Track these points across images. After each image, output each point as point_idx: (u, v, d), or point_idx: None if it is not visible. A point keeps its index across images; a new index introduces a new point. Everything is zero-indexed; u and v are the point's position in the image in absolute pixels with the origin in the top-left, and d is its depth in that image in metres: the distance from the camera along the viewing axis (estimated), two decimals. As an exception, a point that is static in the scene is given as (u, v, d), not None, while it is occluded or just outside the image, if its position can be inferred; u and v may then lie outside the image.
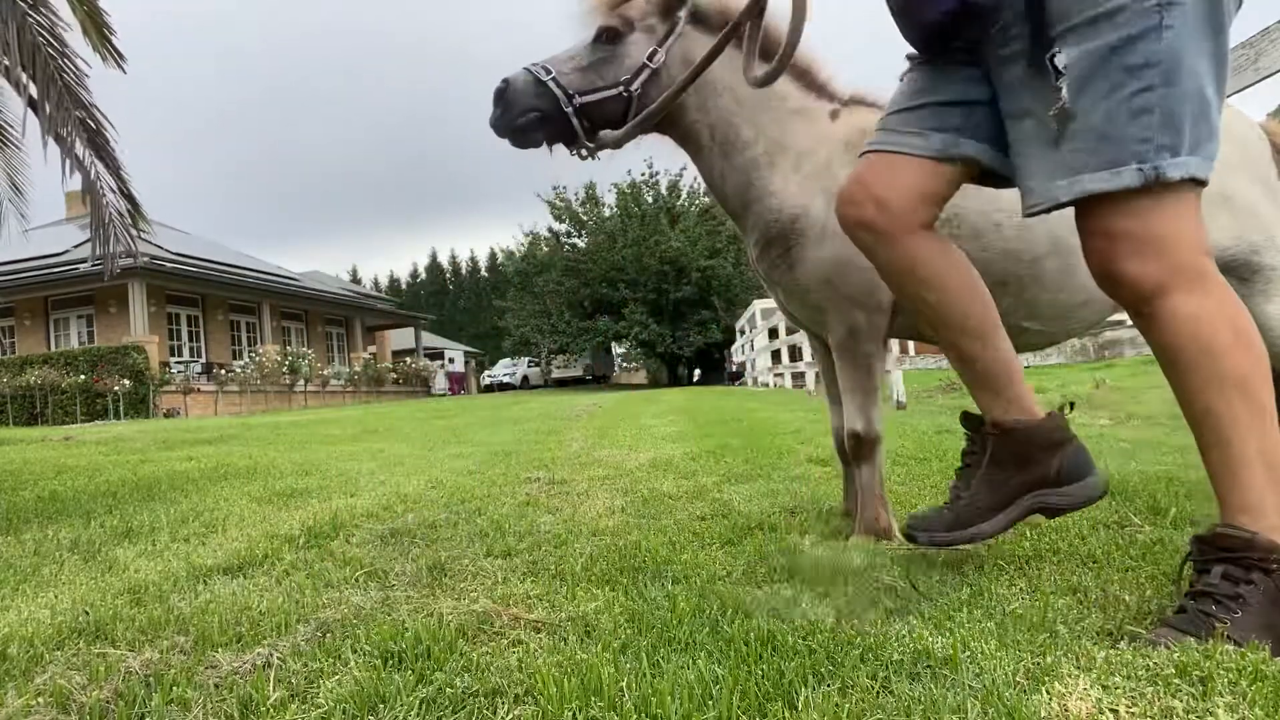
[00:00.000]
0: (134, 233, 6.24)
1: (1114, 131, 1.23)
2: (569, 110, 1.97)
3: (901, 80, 1.62)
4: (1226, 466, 1.24)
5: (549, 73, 1.97)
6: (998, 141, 1.47)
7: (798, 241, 1.99)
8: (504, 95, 1.99)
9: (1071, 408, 1.62)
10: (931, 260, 1.52)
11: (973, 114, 1.48)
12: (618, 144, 2.05)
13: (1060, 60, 1.26)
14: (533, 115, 1.98)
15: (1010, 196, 1.92)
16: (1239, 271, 1.95)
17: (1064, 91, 1.25)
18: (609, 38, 2.00)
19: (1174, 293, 1.24)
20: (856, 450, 2.03)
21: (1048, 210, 1.34)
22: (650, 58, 1.99)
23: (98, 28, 5.78)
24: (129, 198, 6.30)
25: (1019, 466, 1.53)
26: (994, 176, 1.52)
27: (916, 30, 1.50)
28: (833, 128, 2.06)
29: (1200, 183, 1.25)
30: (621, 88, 1.99)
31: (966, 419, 1.64)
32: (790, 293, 2.08)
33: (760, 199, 2.03)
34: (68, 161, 5.46)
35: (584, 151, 2.05)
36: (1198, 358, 1.24)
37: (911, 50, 1.59)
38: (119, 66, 5.96)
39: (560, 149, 2.08)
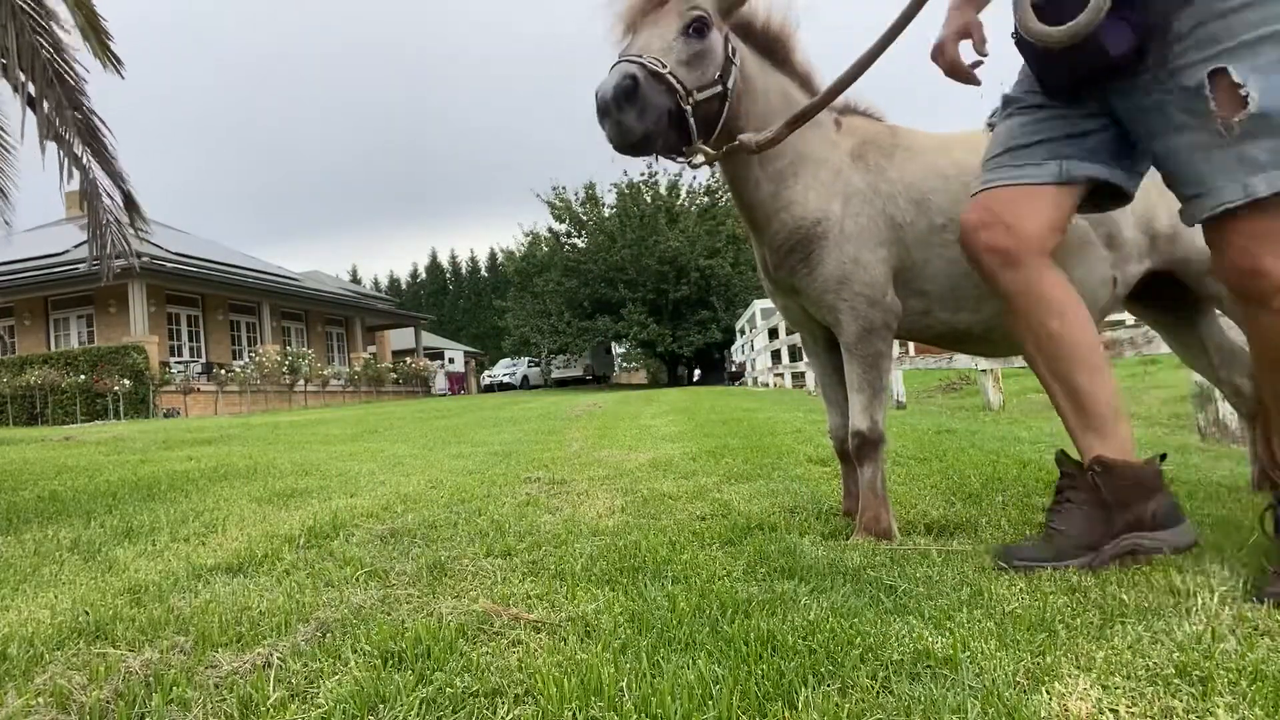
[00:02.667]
0: (131, 235, 6.26)
1: None
2: (687, 109, 1.78)
3: (994, 127, 1.70)
4: None
5: (664, 65, 1.75)
6: (1119, 159, 1.59)
7: (819, 245, 2.01)
8: (637, 94, 1.71)
9: (1163, 459, 1.65)
10: (1057, 285, 1.60)
11: (1085, 140, 1.59)
12: (771, 144, 1.87)
13: (1235, 74, 1.33)
14: (664, 116, 1.76)
15: None
16: None
17: (1252, 98, 1.32)
18: (700, 29, 1.83)
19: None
20: (860, 449, 2.03)
21: (1234, 209, 1.37)
22: (732, 54, 1.87)
23: (97, 33, 5.78)
24: (127, 198, 6.31)
25: (1117, 507, 1.56)
26: (1100, 198, 1.65)
27: (1079, 70, 1.52)
28: (839, 136, 2.09)
29: None
30: (720, 85, 1.85)
31: (1064, 458, 1.65)
32: (808, 297, 2.08)
33: (786, 208, 2.03)
34: (66, 164, 5.47)
35: (698, 158, 1.88)
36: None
37: (1013, 94, 1.68)
38: (117, 72, 5.96)
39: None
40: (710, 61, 1.84)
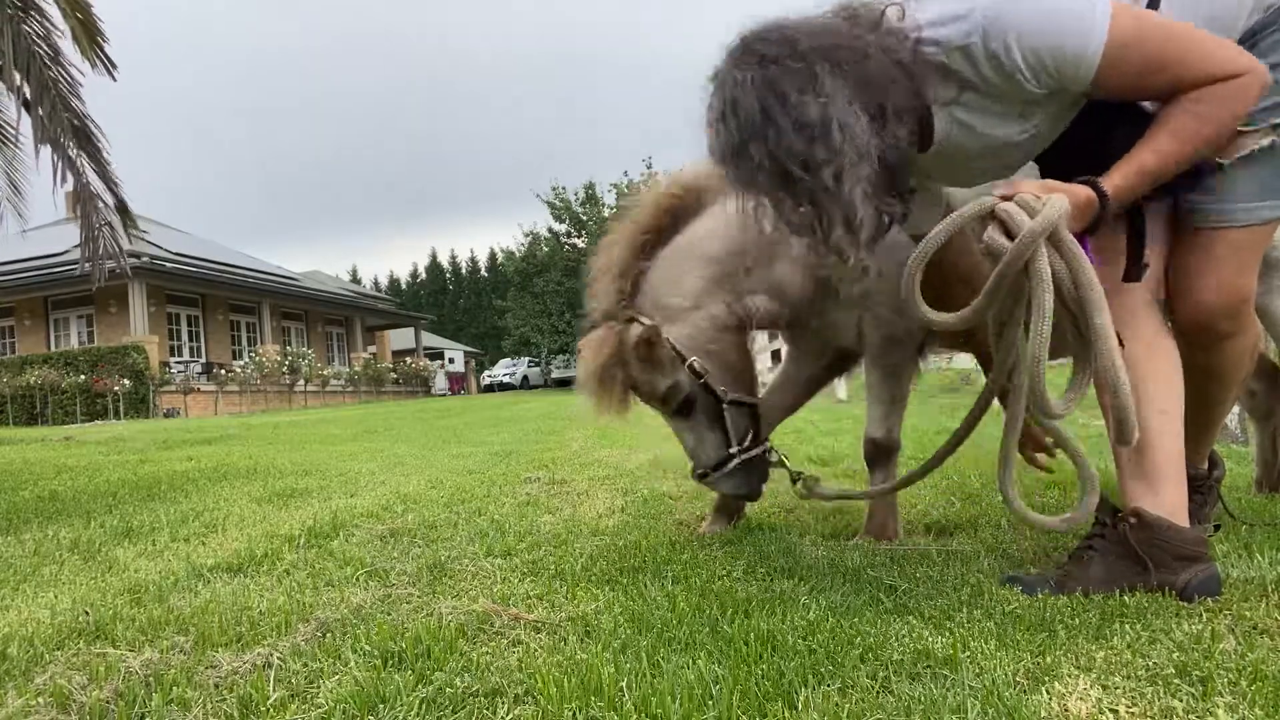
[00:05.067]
0: (122, 244, 6.26)
1: None
2: (745, 457, 1.92)
3: None
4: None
5: (720, 466, 1.91)
6: None
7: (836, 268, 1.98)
8: (749, 496, 2.00)
9: (1216, 529, 1.60)
10: (1156, 317, 1.56)
11: None
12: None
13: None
14: (760, 476, 1.97)
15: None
16: None
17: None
18: (688, 403, 1.91)
19: (1244, 334, 1.53)
20: (873, 457, 2.03)
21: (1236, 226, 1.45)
22: (693, 369, 1.90)
23: (89, 35, 5.73)
24: (120, 205, 6.31)
25: (1148, 567, 1.43)
26: None
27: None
28: None
29: None
30: (721, 403, 1.91)
31: (1105, 504, 1.52)
32: (833, 323, 2.05)
33: (790, 271, 2.00)
34: (60, 167, 5.47)
35: (797, 487, 2.01)
36: (1234, 374, 1.59)
37: None
38: (109, 74, 5.91)
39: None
40: (707, 404, 1.91)
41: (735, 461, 1.91)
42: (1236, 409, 3.45)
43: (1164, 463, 1.46)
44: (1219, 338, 1.52)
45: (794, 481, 2.00)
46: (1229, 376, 1.60)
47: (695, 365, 1.89)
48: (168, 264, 19.54)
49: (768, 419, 2.28)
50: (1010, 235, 1.27)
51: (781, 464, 2.00)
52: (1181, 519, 1.45)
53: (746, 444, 1.93)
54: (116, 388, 16.83)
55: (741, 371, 1.97)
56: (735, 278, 1.95)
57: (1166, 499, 1.45)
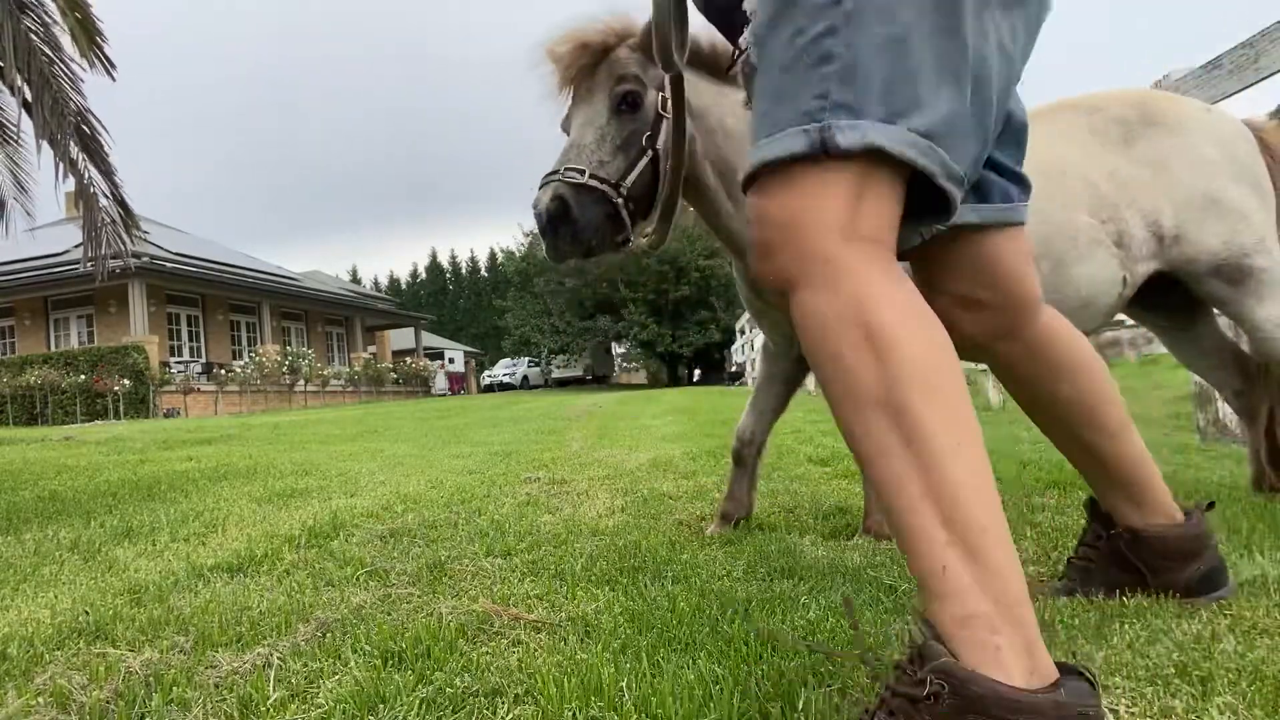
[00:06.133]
0: (126, 237, 6.27)
1: (790, 86, 0.91)
2: (619, 202, 1.73)
3: None
4: (892, 521, 0.89)
5: (591, 172, 1.73)
6: None
7: None
8: (569, 218, 1.70)
9: (1211, 506, 1.46)
10: (1064, 332, 1.33)
11: None
12: (659, 243, 1.82)
13: (748, 4, 1.01)
14: (598, 228, 1.72)
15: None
16: (1229, 275, 1.95)
17: (748, 41, 0.98)
18: (633, 101, 1.79)
19: (801, 288, 0.92)
20: None
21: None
22: (663, 107, 1.79)
23: (88, 35, 5.72)
24: (121, 204, 6.31)
25: (1147, 573, 1.37)
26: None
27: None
28: None
29: (891, 159, 0.88)
30: (649, 148, 1.78)
31: (1095, 507, 1.44)
32: None
33: None
34: (61, 165, 5.48)
35: (642, 242, 1.82)
36: (824, 365, 0.93)
37: None
38: (108, 74, 5.90)
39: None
40: (641, 131, 1.79)
41: (609, 193, 1.70)
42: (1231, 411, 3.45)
43: (1134, 470, 1.36)
44: (775, 284, 0.95)
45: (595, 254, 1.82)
46: (818, 362, 0.93)
47: (667, 90, 1.75)
48: (168, 264, 19.56)
49: (760, 422, 2.28)
50: None
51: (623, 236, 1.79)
52: (1170, 512, 1.39)
53: (627, 208, 1.73)
54: (116, 388, 16.83)
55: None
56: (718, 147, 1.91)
57: (1149, 501, 1.37)
